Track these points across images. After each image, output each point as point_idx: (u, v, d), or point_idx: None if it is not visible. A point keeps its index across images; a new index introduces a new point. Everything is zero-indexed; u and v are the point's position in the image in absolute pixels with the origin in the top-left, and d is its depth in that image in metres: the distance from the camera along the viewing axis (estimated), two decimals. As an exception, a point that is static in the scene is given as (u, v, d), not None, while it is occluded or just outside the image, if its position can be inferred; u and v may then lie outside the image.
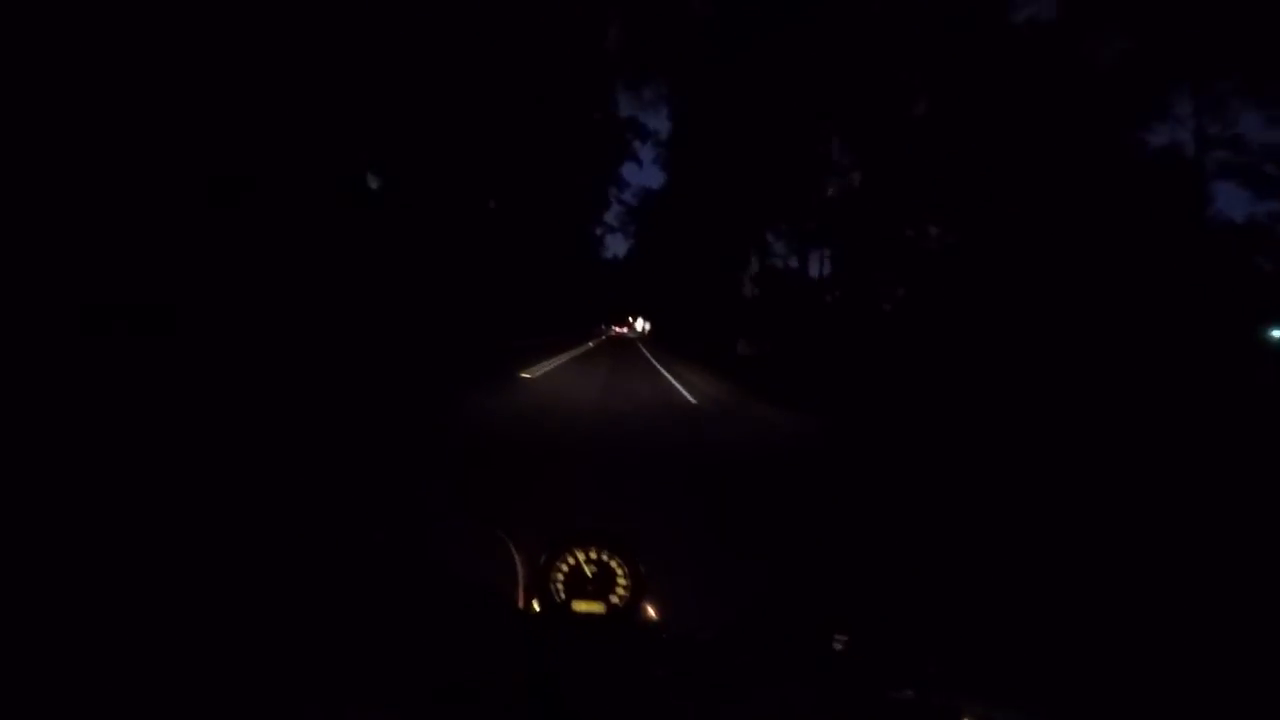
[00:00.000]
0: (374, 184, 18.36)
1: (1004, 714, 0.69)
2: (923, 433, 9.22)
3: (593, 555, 0.93)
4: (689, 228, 39.10)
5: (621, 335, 74.06)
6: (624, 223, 49.10)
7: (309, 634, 0.70)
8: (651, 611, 0.94)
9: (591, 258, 59.77)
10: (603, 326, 78.46)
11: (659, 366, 20.36)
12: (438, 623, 0.77)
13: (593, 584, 0.92)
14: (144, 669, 0.61)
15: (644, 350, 31.63)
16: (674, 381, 14.66)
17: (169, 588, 0.72)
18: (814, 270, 30.40)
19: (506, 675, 0.69)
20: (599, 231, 53.35)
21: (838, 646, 0.82)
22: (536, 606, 0.90)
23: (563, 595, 0.91)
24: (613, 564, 0.92)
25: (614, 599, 0.91)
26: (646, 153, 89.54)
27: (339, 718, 0.61)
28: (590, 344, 31.63)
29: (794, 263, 31.44)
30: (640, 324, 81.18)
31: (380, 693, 0.64)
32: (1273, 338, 13.65)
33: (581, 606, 0.90)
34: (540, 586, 0.91)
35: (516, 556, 0.92)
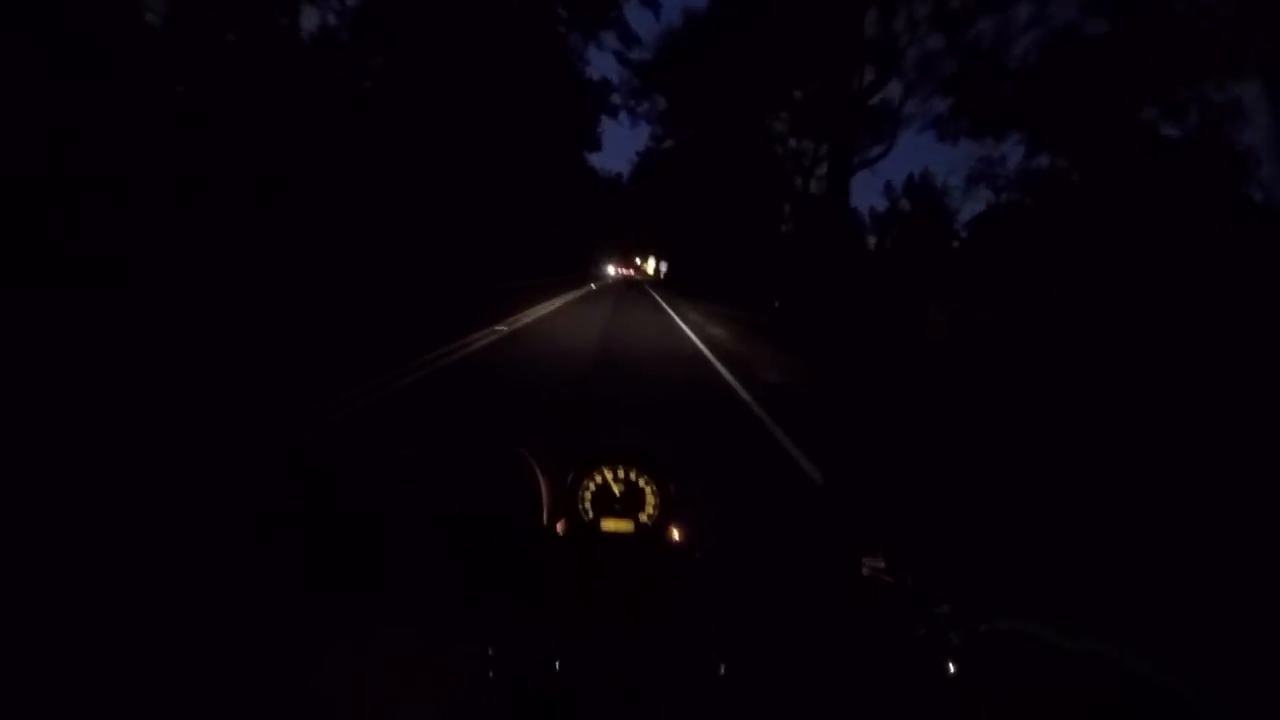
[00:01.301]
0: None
1: (1036, 626, 0.69)
2: None
3: (621, 474, 0.90)
4: (735, 98, 22.33)
5: (629, 279, 57.83)
6: (630, 97, 31.16)
7: (337, 548, 0.74)
8: (677, 534, 0.89)
9: (584, 173, 42.73)
10: (600, 269, 61.56)
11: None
12: (464, 538, 0.78)
13: (621, 502, 0.89)
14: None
15: (681, 326, 15.74)
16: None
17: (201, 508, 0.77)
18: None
19: (532, 590, 0.72)
20: (599, 128, 36.02)
21: (865, 572, 0.80)
22: (561, 528, 0.88)
23: (590, 514, 0.89)
24: (641, 482, 0.90)
25: (643, 518, 0.88)
26: None
27: (370, 629, 0.67)
28: (565, 299, 15.88)
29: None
30: (653, 265, 63.59)
31: (408, 607, 0.69)
32: None
33: (610, 525, 0.88)
34: (568, 505, 0.89)
35: (541, 476, 0.91)
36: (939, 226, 26.25)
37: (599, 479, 0.89)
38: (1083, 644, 0.63)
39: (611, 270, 65.89)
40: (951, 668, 0.65)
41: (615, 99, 31.03)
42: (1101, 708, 0.60)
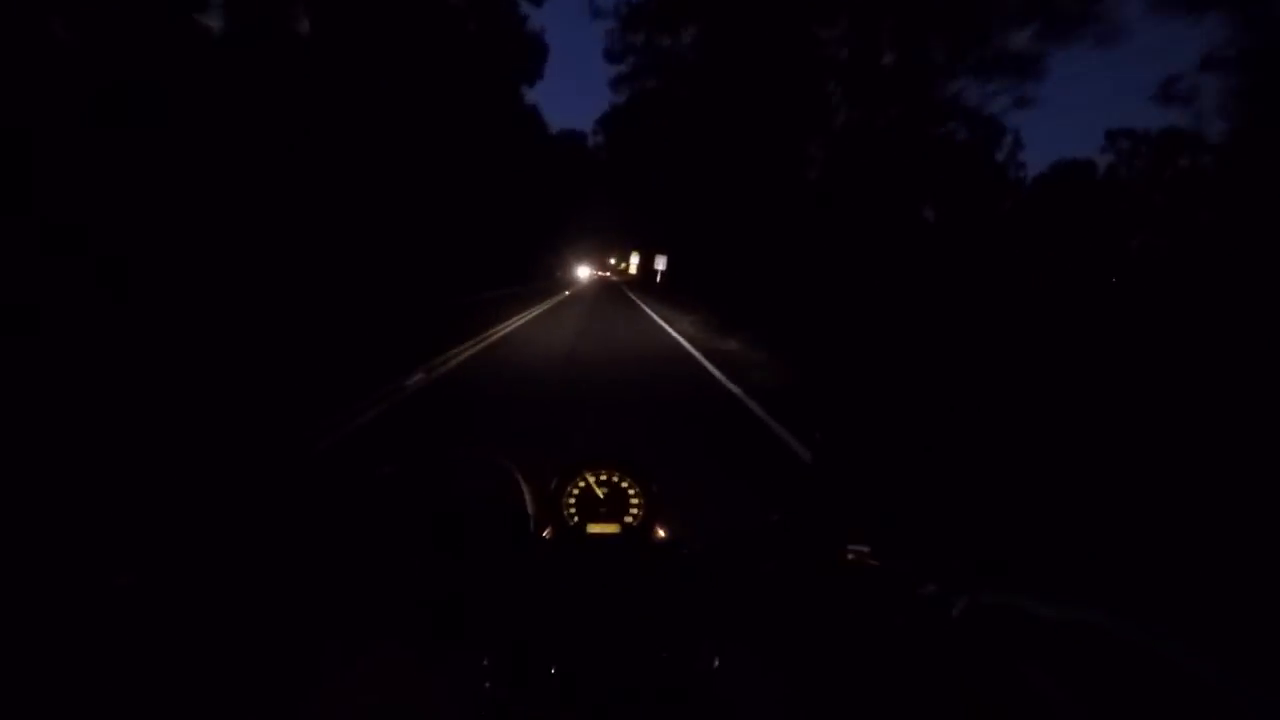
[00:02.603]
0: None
1: (1022, 599, 0.68)
2: None
3: (603, 477, 0.90)
4: None
5: (605, 282, 42.99)
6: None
7: (324, 569, 0.75)
8: (662, 532, 0.90)
9: (524, 122, 27.58)
10: (568, 272, 46.18)
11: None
12: (452, 550, 0.78)
13: (605, 506, 0.89)
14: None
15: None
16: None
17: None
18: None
19: (524, 596, 0.72)
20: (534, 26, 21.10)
21: (851, 557, 0.80)
22: (548, 534, 0.88)
23: (576, 518, 0.89)
24: (624, 485, 0.90)
25: (628, 519, 0.89)
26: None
27: (358, 647, 0.67)
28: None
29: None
30: (636, 262, 47.30)
31: (398, 621, 0.68)
32: None
33: (596, 528, 0.88)
34: (553, 511, 0.89)
35: (524, 484, 0.91)
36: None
37: (582, 484, 0.89)
38: (1071, 615, 0.62)
39: (585, 273, 50.68)
40: (938, 646, 0.65)
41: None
42: (1092, 677, 0.58)
